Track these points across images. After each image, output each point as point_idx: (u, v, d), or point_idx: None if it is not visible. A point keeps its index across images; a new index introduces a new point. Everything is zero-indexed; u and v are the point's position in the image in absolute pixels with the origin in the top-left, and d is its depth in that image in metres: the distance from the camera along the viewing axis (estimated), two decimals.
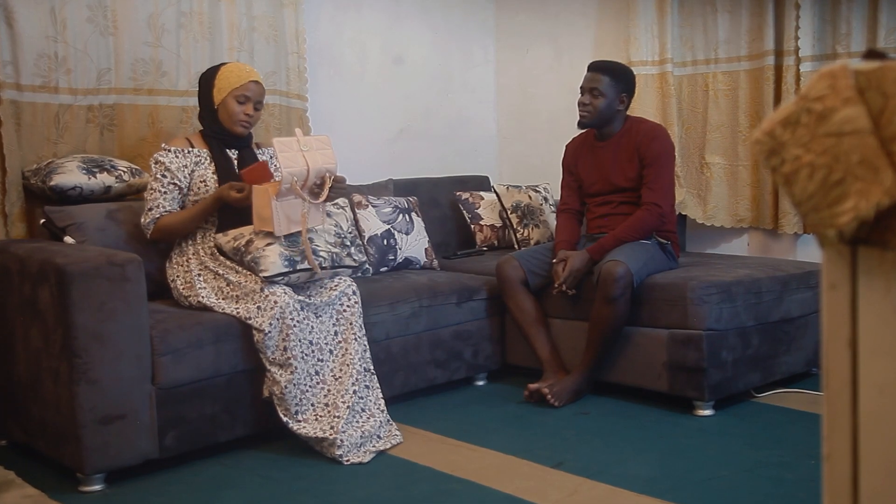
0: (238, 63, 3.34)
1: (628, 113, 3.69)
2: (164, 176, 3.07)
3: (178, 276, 3.08)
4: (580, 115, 3.62)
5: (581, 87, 3.63)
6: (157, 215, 3.06)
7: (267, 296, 2.83)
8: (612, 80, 3.57)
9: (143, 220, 3.08)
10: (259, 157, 3.27)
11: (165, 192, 3.07)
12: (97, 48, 3.41)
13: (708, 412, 3.24)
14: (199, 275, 3.03)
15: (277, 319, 2.81)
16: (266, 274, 2.86)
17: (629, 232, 3.46)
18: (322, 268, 2.97)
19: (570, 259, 3.45)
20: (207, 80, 3.20)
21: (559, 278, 3.45)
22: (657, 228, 3.52)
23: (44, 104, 3.28)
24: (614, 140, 3.62)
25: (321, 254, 2.99)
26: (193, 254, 3.08)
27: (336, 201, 3.66)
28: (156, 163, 3.09)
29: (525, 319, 3.58)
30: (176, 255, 3.12)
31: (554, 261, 3.53)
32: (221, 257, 3.03)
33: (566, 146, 3.87)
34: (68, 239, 3.02)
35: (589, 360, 3.38)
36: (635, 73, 4.46)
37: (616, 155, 3.60)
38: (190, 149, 3.14)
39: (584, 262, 3.45)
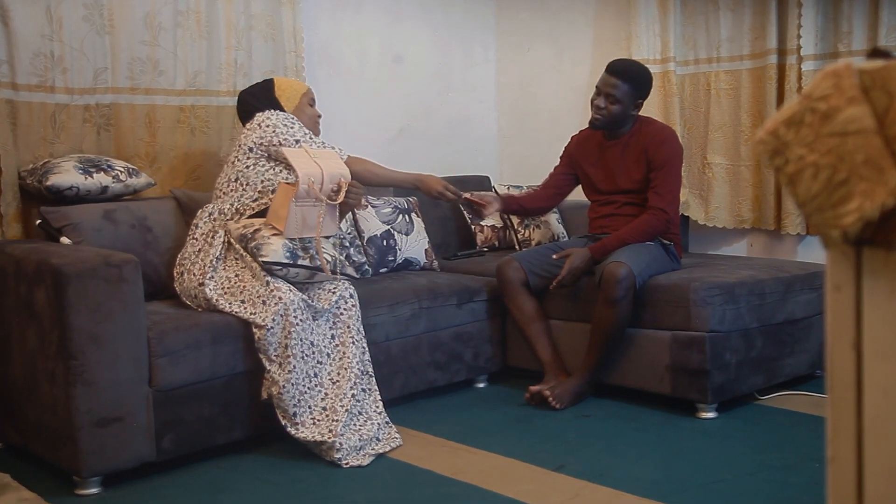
0: (281, 77, 3.50)
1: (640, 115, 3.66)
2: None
3: (189, 264, 3.02)
4: (593, 117, 3.57)
5: (598, 87, 3.55)
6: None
7: (272, 291, 2.82)
8: (631, 88, 3.50)
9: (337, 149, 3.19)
10: None
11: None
12: (94, 47, 3.39)
13: (711, 415, 3.22)
14: (217, 259, 2.98)
15: (281, 316, 2.79)
16: (266, 259, 2.84)
17: (633, 235, 3.43)
18: (321, 270, 2.96)
19: (571, 256, 3.43)
20: (265, 92, 3.29)
21: (559, 276, 3.42)
22: (662, 233, 3.50)
23: (40, 103, 3.27)
24: (623, 140, 3.60)
25: (325, 256, 2.99)
26: (215, 238, 3.04)
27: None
28: (288, 123, 3.16)
29: (526, 321, 3.55)
30: (196, 241, 3.05)
31: (554, 256, 3.50)
32: (238, 247, 3.00)
33: (572, 137, 3.84)
34: (65, 239, 3.01)
35: (591, 363, 3.36)
36: None
37: (624, 155, 3.57)
38: None
39: (584, 261, 3.43)
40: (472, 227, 4.43)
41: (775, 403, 3.37)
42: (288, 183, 2.95)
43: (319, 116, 3.39)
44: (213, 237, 3.03)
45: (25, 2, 3.20)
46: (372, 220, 3.89)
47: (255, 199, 3.10)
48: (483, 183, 4.77)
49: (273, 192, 3.09)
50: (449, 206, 4.50)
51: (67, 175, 3.10)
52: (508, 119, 5.25)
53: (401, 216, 4.00)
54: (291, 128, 3.14)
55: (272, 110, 3.18)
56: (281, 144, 3.09)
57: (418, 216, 4.10)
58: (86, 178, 3.14)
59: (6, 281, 2.80)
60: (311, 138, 3.18)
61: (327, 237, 3.07)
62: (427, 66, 4.90)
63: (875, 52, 0.83)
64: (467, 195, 3.60)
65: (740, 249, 4.39)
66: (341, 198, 2.97)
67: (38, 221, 3.08)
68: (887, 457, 0.81)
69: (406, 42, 4.79)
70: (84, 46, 3.36)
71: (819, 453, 2.73)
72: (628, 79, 3.51)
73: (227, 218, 3.06)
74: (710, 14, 4.29)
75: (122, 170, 3.27)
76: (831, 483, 0.85)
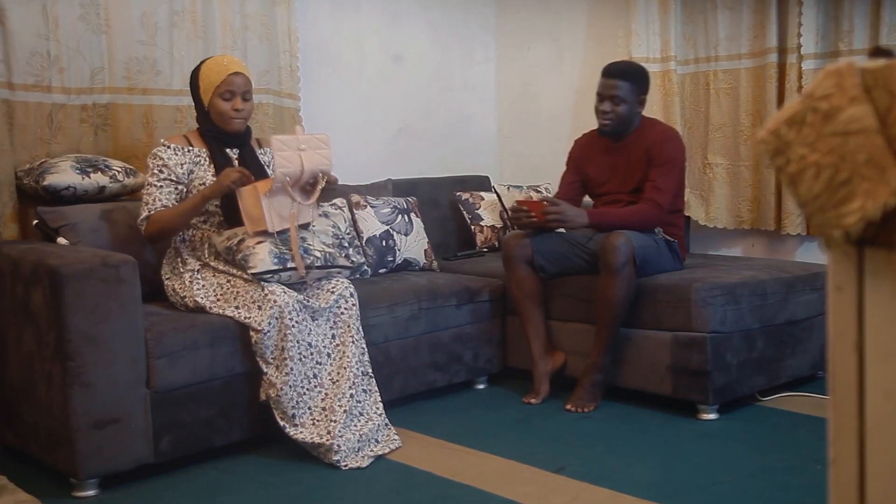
0: (217, 57, 3.17)
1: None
2: (160, 171, 3.01)
3: (173, 276, 3.04)
4: (602, 123, 3.55)
5: (599, 94, 3.54)
6: (153, 210, 2.97)
7: (266, 294, 2.80)
8: (632, 85, 3.49)
9: (139, 218, 3.01)
10: (259, 155, 3.22)
11: (162, 187, 3.00)
12: (90, 47, 3.38)
13: (712, 416, 3.20)
14: (199, 271, 2.99)
15: (276, 319, 2.78)
16: (254, 271, 2.83)
17: (630, 217, 3.39)
18: (316, 267, 2.94)
19: (564, 203, 3.38)
20: (193, 80, 3.13)
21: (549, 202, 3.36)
22: (653, 226, 3.46)
23: (37, 103, 3.25)
24: (629, 141, 3.57)
25: (315, 253, 2.96)
26: (191, 252, 3.04)
27: (334, 201, 3.63)
28: (153, 157, 3.03)
29: (522, 296, 3.52)
30: (172, 254, 3.09)
31: (545, 202, 3.43)
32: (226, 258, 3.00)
33: (576, 141, 3.81)
34: (62, 240, 2.99)
35: (601, 345, 3.31)
36: None
37: (630, 156, 3.55)
38: (189, 147, 3.08)
39: (577, 215, 3.36)
40: (472, 227, 4.42)
41: (777, 405, 3.36)
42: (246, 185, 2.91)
43: (238, 110, 3.05)
44: (184, 256, 3.04)
45: (21, 1, 3.19)
46: (371, 221, 3.87)
47: (206, 221, 3.08)
48: (483, 183, 4.76)
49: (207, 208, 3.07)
50: (448, 206, 4.49)
51: (64, 175, 3.09)
52: (508, 119, 5.24)
53: (400, 216, 3.98)
54: (152, 164, 3.02)
55: (161, 142, 3.10)
56: (158, 184, 2.99)
57: (417, 216, 4.09)
58: (83, 177, 3.13)
59: (3, 282, 2.79)
60: (168, 171, 3.01)
61: (305, 225, 3.03)
62: (427, 66, 4.89)
63: (877, 51, 0.82)
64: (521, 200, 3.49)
65: (742, 250, 4.37)
66: (314, 197, 2.92)
67: (35, 222, 3.07)
68: (889, 458, 0.81)
69: (405, 41, 4.78)
70: (80, 46, 3.35)
71: (821, 455, 2.70)
72: (627, 77, 3.50)
73: (189, 242, 3.06)
74: (711, 13, 4.28)
75: (119, 170, 3.26)
76: (833, 485, 0.86)
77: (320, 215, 3.15)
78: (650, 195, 3.44)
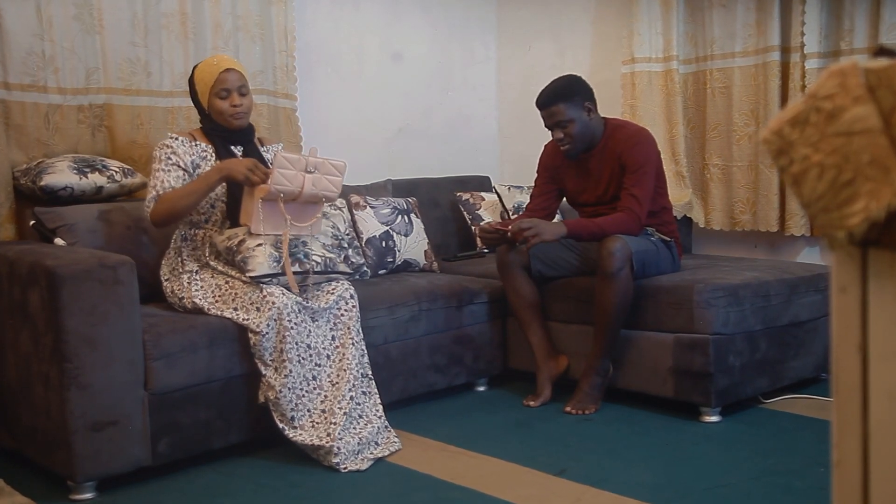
0: (208, 58, 3.15)
1: (606, 116, 3.53)
2: (169, 158, 2.98)
3: (172, 277, 3.03)
4: (565, 150, 3.47)
5: (546, 127, 3.47)
6: (160, 191, 2.92)
7: (265, 296, 2.79)
8: (568, 103, 3.38)
9: (145, 202, 2.94)
10: (263, 153, 3.22)
11: (170, 171, 2.96)
12: (84, 47, 3.37)
13: (715, 418, 3.18)
14: (198, 272, 2.97)
15: (275, 320, 2.76)
16: (252, 274, 2.82)
17: (608, 225, 3.31)
18: (315, 272, 2.93)
19: (540, 221, 3.32)
20: (190, 85, 3.12)
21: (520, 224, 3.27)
22: (634, 234, 3.37)
23: (33, 103, 3.25)
24: (598, 149, 3.48)
25: (314, 257, 2.95)
26: (192, 251, 3.03)
27: (333, 202, 3.62)
28: (161, 147, 3.00)
29: (520, 304, 3.49)
30: (173, 254, 3.07)
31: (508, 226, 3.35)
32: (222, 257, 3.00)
33: (545, 146, 3.69)
34: (59, 240, 2.98)
35: (598, 350, 3.29)
36: (639, 70, 4.44)
37: (602, 164, 3.47)
38: (195, 142, 3.07)
39: (554, 227, 3.29)
40: (473, 227, 4.40)
41: (780, 407, 3.34)
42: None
43: (236, 106, 3.02)
44: (184, 256, 3.02)
45: (16, 0, 3.18)
46: (370, 221, 3.86)
47: (207, 220, 3.07)
48: (483, 183, 4.75)
49: (212, 205, 3.06)
50: (449, 207, 4.48)
51: (62, 175, 3.08)
52: (509, 118, 5.23)
53: (400, 217, 3.97)
54: (160, 153, 3.00)
55: (168, 135, 3.07)
56: (167, 168, 2.97)
57: (417, 217, 4.07)
58: (80, 178, 3.12)
59: (0, 283, 2.78)
60: (179, 158, 2.99)
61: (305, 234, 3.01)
62: (427, 65, 4.88)
63: (880, 51, 0.82)
64: (486, 224, 3.47)
65: (744, 251, 4.36)
66: (309, 223, 2.93)
67: (32, 222, 3.06)
68: (893, 460, 0.80)
69: (405, 40, 4.77)
70: (75, 46, 3.34)
71: (824, 457, 2.70)
72: (561, 98, 3.39)
73: (191, 242, 3.04)
74: (714, 11, 4.26)
75: (116, 170, 3.25)
76: (837, 487, 0.85)
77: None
78: (627, 203, 3.35)
